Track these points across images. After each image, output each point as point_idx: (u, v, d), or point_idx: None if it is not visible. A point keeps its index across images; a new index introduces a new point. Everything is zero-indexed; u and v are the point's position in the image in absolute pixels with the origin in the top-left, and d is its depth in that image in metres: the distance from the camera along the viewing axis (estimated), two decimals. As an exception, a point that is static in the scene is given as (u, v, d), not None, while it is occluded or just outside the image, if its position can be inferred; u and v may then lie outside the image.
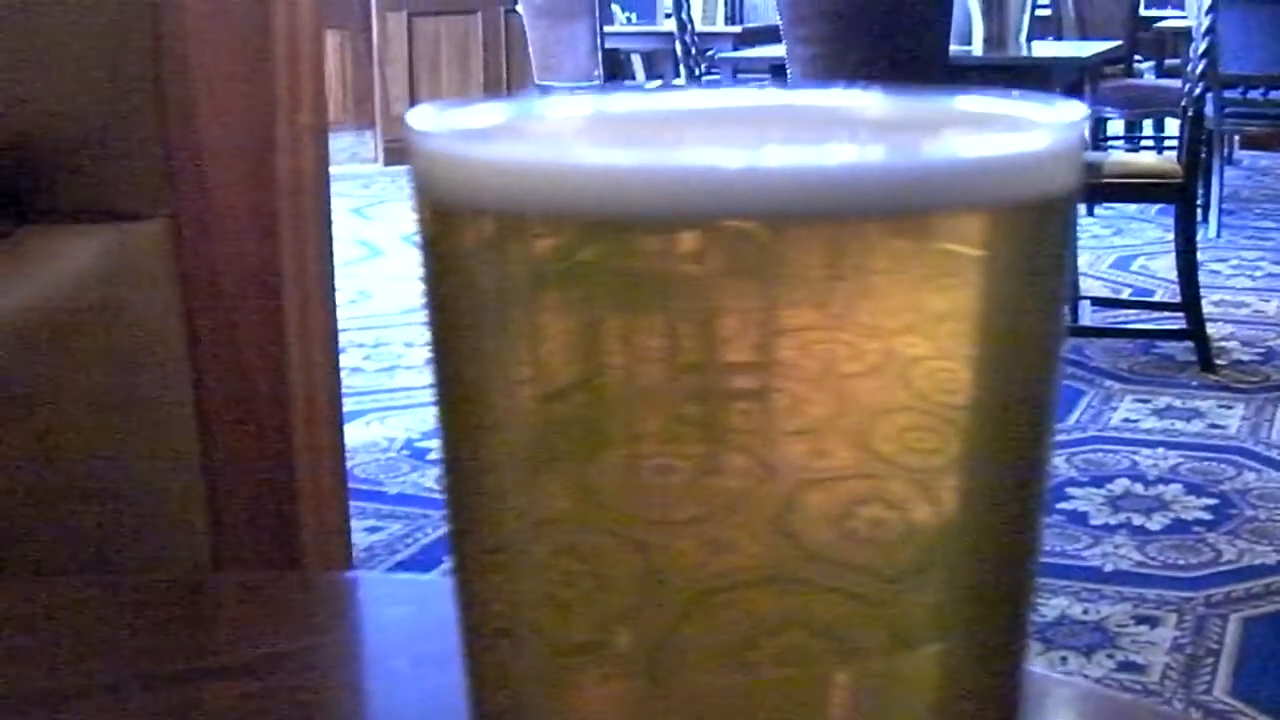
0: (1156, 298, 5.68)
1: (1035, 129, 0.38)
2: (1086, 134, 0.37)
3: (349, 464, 1.21)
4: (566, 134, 0.43)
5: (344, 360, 1.23)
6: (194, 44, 1.08)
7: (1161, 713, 0.52)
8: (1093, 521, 3.47)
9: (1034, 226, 0.37)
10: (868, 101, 0.41)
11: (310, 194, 1.12)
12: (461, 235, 0.38)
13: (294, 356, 1.11)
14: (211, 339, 1.09)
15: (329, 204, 1.14)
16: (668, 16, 6.92)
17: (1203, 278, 5.06)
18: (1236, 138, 8.62)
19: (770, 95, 0.41)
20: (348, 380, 4.09)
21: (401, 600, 0.80)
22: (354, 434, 3.98)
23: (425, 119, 0.38)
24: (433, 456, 3.98)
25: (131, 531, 1.07)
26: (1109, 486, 3.70)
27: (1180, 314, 4.81)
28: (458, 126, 0.40)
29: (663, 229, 0.35)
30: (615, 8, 8.14)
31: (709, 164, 0.35)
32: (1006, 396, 0.38)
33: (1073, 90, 5.47)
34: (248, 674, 0.68)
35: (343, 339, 1.18)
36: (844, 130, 0.42)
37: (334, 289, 1.15)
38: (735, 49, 6.66)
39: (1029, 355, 0.39)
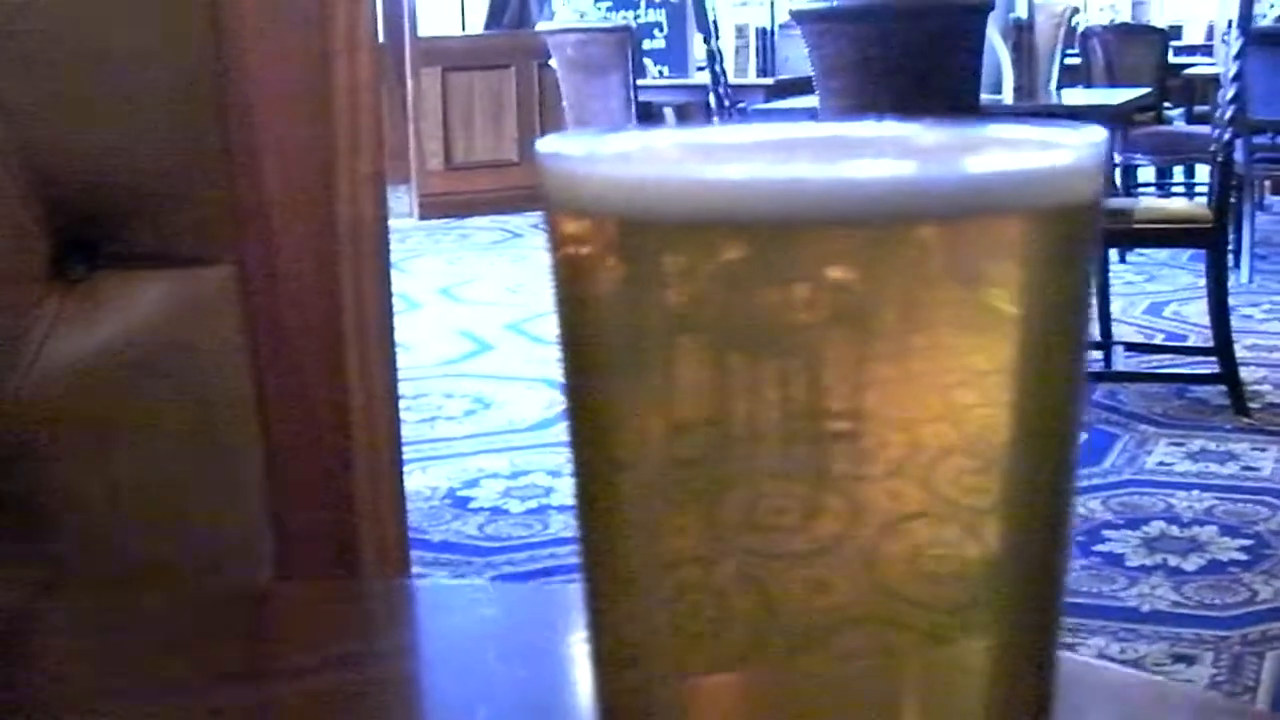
0: (1189, 343, 5.71)
1: (1063, 147, 0.42)
2: (1106, 156, 0.42)
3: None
4: (678, 154, 0.47)
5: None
6: (259, 95, 1.13)
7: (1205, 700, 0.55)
8: (1129, 563, 3.50)
9: (1064, 231, 0.42)
10: (920, 130, 0.45)
11: (369, 239, 1.17)
12: (595, 243, 0.42)
13: (356, 392, 1.16)
14: (276, 377, 1.14)
15: (388, 248, 1.19)
16: (700, 69, 6.99)
17: (1235, 322, 5.08)
18: (1267, 183, 8.64)
19: (832, 128, 0.46)
20: (388, 430, 4.12)
21: (480, 604, 0.84)
22: (395, 483, 4.01)
23: (557, 145, 0.42)
24: (474, 505, 4.03)
25: (199, 561, 1.12)
26: (1145, 529, 3.73)
27: (1213, 358, 4.84)
28: (588, 150, 0.44)
29: (768, 233, 0.40)
30: (647, 61, 8.21)
31: (806, 175, 0.40)
32: (1040, 417, 0.42)
33: (1103, 137, 5.50)
34: (325, 670, 0.72)
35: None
36: (908, 151, 0.46)
37: (393, 328, 1.20)
38: (767, 101, 6.71)
39: (1060, 374, 0.43)
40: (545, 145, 0.42)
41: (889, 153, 0.44)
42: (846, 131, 0.46)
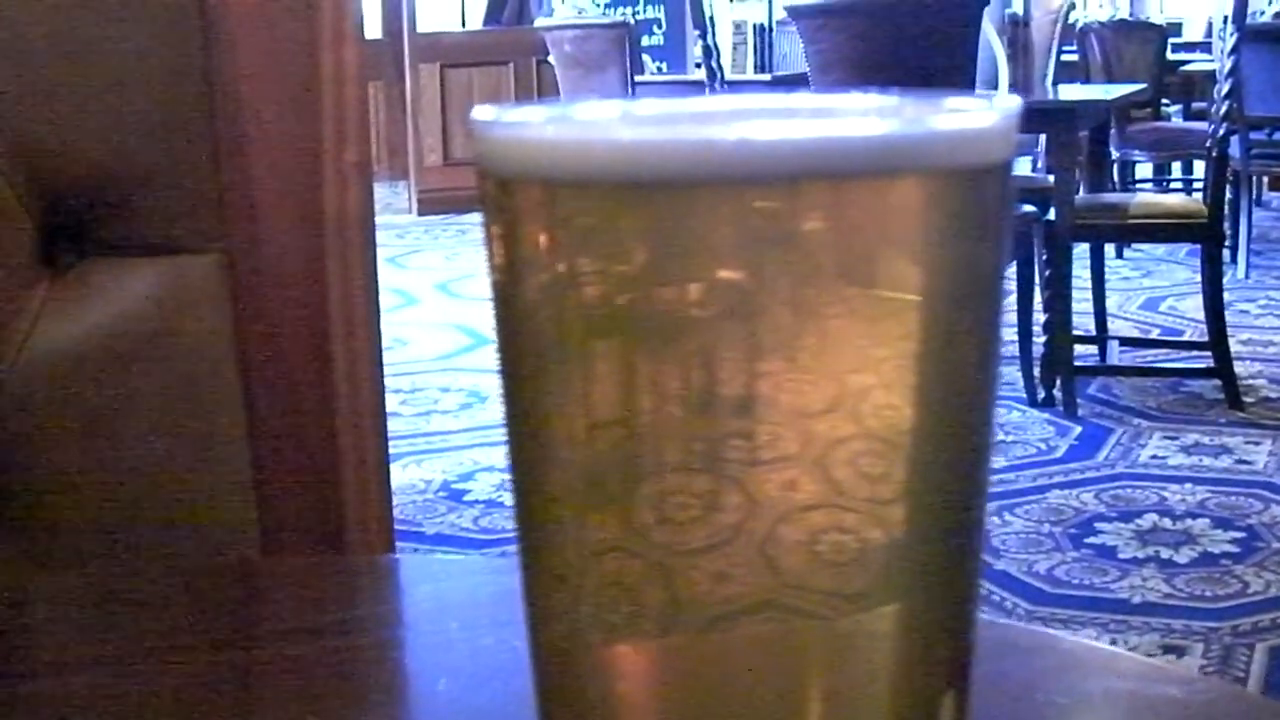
0: (1185, 337, 5.72)
1: (970, 111, 0.43)
2: (1017, 122, 0.43)
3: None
4: (599, 120, 0.48)
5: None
6: (246, 86, 1.14)
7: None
8: (1121, 555, 3.51)
9: (969, 195, 0.42)
10: (853, 99, 0.46)
11: (355, 228, 1.19)
12: (517, 201, 0.44)
13: (341, 379, 1.17)
14: (261, 364, 1.16)
15: (374, 237, 1.21)
16: (698, 66, 6.98)
17: (1231, 317, 5.10)
18: (1265, 179, 8.65)
19: (779, 99, 0.47)
20: (385, 424, 4.15)
21: (452, 576, 0.86)
22: (392, 477, 4.03)
23: (490, 113, 0.44)
24: (469, 498, 4.04)
25: (185, 546, 1.14)
26: (1137, 521, 3.74)
27: (1208, 353, 4.85)
28: (516, 118, 0.45)
29: (676, 191, 0.40)
30: (645, 57, 8.22)
31: (707, 137, 0.40)
32: (946, 399, 0.43)
33: (1099, 132, 5.52)
34: (298, 639, 0.74)
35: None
36: (830, 115, 0.47)
37: (379, 315, 1.21)
38: (765, 96, 6.69)
39: (968, 356, 0.43)
40: (479, 113, 0.43)
41: (782, 116, 0.45)
42: (763, 102, 0.47)
